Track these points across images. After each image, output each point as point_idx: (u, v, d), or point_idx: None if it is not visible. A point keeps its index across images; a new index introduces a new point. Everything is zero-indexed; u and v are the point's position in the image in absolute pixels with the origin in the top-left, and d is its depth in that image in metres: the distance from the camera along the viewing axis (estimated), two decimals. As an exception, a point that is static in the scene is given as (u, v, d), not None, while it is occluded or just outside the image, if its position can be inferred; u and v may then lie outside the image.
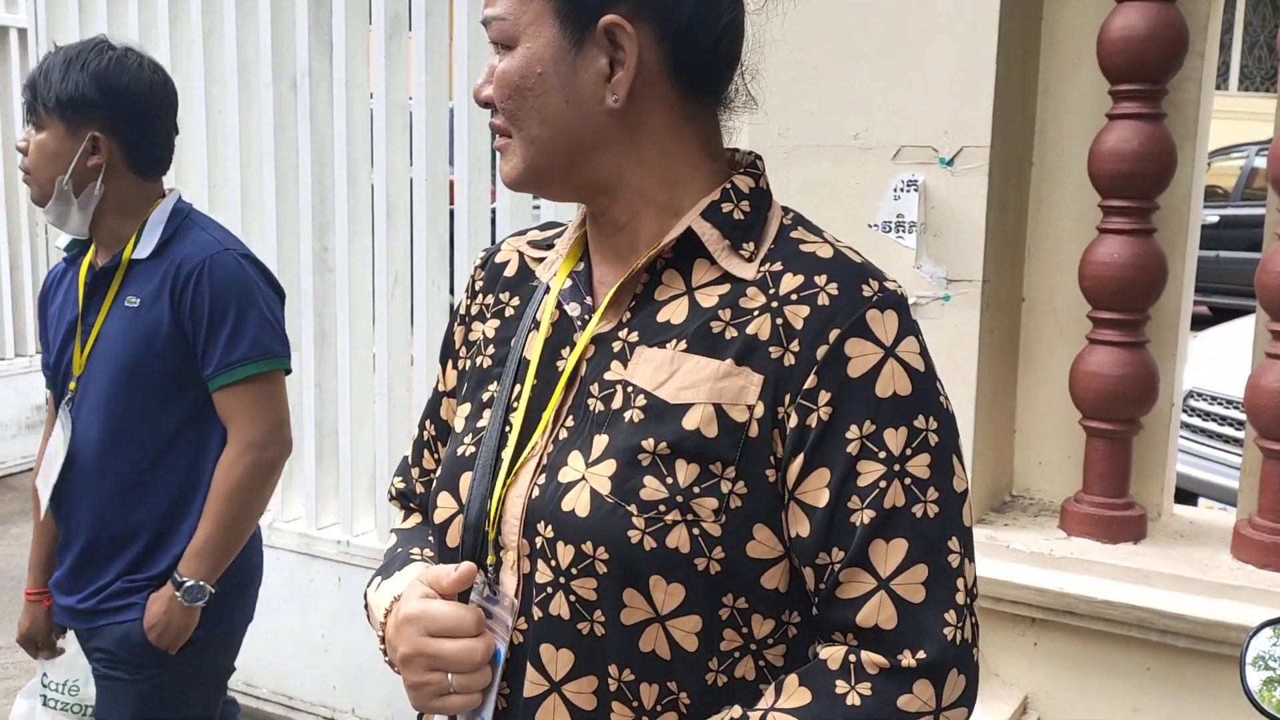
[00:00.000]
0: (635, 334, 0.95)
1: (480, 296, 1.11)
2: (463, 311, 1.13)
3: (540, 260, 1.07)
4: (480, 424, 1.02)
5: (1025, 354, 1.99)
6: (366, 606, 1.08)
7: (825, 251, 0.92)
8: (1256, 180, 9.82)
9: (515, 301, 1.07)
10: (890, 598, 0.86)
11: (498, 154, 0.97)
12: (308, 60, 2.85)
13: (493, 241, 2.66)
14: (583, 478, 0.91)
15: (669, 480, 0.89)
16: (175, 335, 1.82)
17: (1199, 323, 6.52)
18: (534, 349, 1.01)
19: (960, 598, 0.87)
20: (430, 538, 1.09)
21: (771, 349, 0.89)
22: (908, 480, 0.87)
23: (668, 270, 0.95)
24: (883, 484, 0.87)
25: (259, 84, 2.93)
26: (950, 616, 0.86)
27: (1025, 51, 1.88)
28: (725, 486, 0.88)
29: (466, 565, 0.94)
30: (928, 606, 0.86)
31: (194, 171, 3.07)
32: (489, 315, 1.08)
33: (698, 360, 0.91)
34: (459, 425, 1.06)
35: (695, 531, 0.88)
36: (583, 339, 0.97)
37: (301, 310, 2.93)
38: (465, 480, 1.00)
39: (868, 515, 0.87)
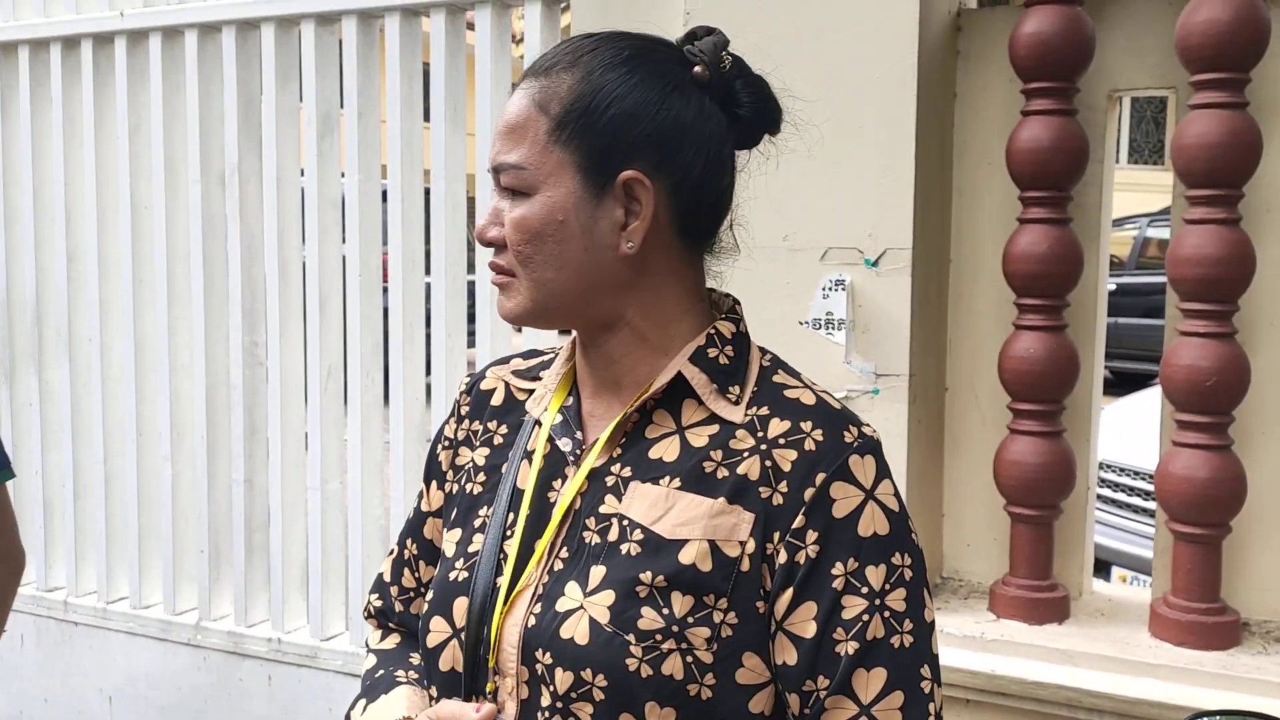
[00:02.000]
0: (628, 469, 1.00)
1: (467, 422, 1.14)
2: (449, 435, 1.16)
3: (527, 391, 1.11)
4: (472, 549, 1.05)
5: (951, 441, 2.08)
6: None
7: (809, 398, 1.00)
8: (1149, 249, 10.36)
9: (504, 430, 1.11)
10: None
11: (496, 289, 1.02)
12: (237, 156, 2.87)
13: (428, 335, 2.69)
14: (581, 606, 0.95)
15: (665, 611, 0.93)
16: None
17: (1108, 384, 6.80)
18: (527, 479, 1.04)
19: (926, 718, 0.95)
20: (411, 658, 1.13)
21: (761, 489, 0.95)
22: (886, 614, 0.94)
23: (658, 410, 1.01)
24: (865, 617, 0.93)
25: (187, 180, 2.93)
26: None
27: (941, 159, 2.00)
28: (717, 617, 0.94)
29: (489, 708, 0.96)
30: None
31: (120, 266, 3.04)
32: (477, 442, 1.12)
33: (692, 498, 0.96)
34: (449, 550, 1.08)
35: (689, 659, 0.93)
36: (579, 475, 1.01)
37: (231, 405, 2.91)
38: (459, 605, 1.02)
39: (851, 646, 0.93)
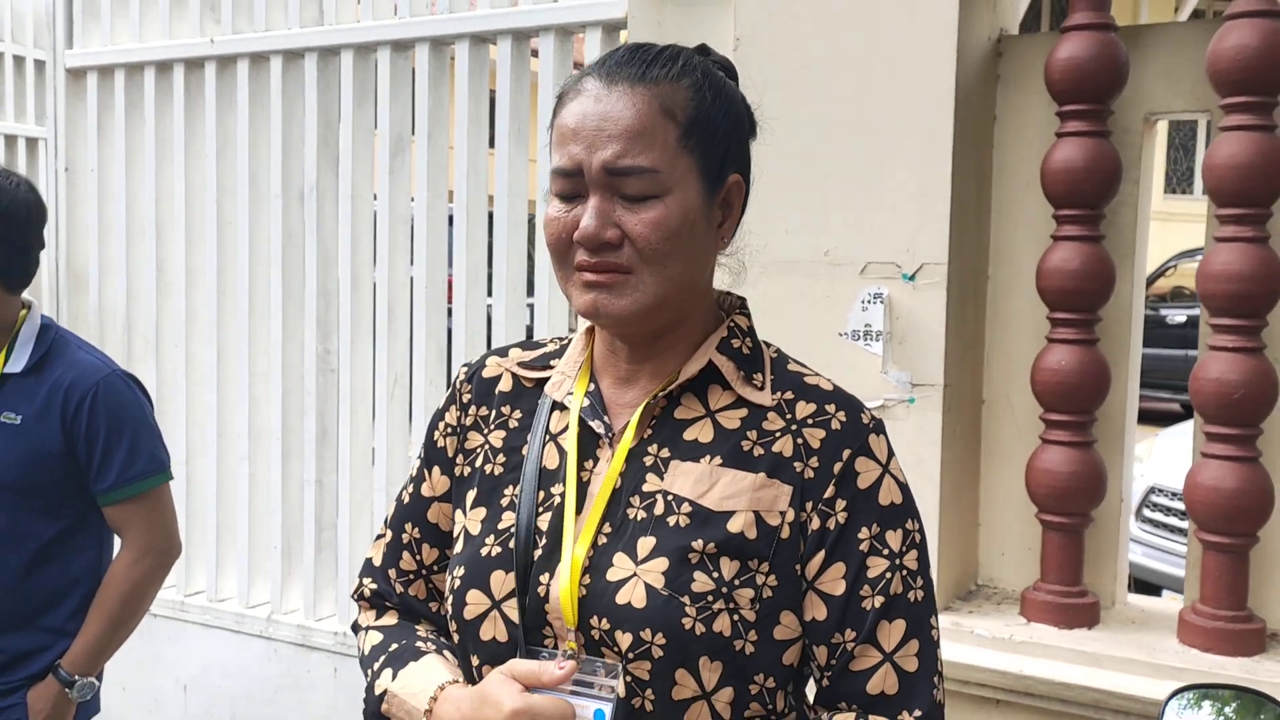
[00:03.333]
0: (666, 450, 1.09)
1: (473, 408, 1.21)
2: (452, 422, 1.23)
3: (536, 379, 1.19)
4: (503, 525, 1.12)
5: (986, 451, 2.14)
6: (381, 695, 1.14)
7: (826, 384, 1.12)
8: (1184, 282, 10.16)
9: (518, 414, 1.18)
10: (893, 669, 1.05)
11: (596, 289, 1.04)
12: (315, 175, 3.04)
13: (488, 344, 2.82)
14: (635, 575, 1.04)
15: (715, 574, 1.04)
16: (65, 454, 1.97)
17: (1170, 419, 6.71)
18: (553, 459, 1.13)
19: (939, 665, 1.08)
20: (418, 630, 1.20)
21: (795, 464, 1.07)
22: (904, 572, 1.07)
23: (685, 394, 1.11)
24: (888, 575, 1.06)
25: (269, 196, 3.11)
26: (935, 680, 1.06)
27: (979, 178, 2.07)
28: (760, 579, 1.05)
29: (570, 663, 1.03)
30: (920, 674, 1.05)
31: (205, 278, 3.23)
32: (491, 426, 1.19)
33: (735, 474, 1.07)
34: (473, 528, 1.15)
35: (735, 618, 1.03)
36: (618, 456, 1.09)
37: (304, 409, 3.07)
38: (496, 578, 1.10)
39: (877, 601, 1.05)
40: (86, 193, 3.43)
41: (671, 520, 1.06)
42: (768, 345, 1.16)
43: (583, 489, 1.10)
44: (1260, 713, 1.18)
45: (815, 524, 1.06)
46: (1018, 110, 2.08)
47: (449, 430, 1.23)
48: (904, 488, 1.09)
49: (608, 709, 1.02)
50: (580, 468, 1.11)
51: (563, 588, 1.05)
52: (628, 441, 1.10)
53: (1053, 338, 1.93)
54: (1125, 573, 2.08)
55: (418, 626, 1.23)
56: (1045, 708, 1.83)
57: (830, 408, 1.10)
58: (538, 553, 1.09)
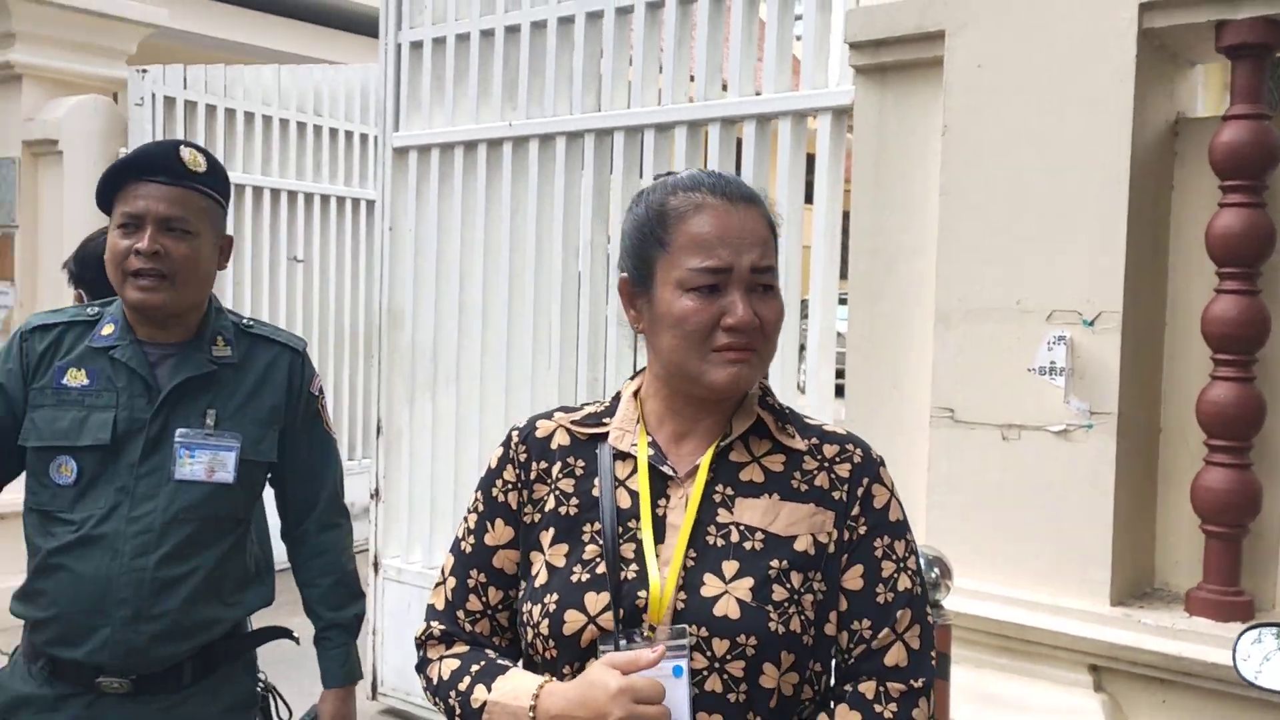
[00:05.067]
0: (729, 489, 1.35)
1: (534, 464, 1.42)
2: (511, 479, 1.43)
3: (592, 434, 1.40)
4: (586, 556, 1.34)
5: (1163, 473, 2.47)
6: (480, 707, 1.32)
7: (839, 430, 1.41)
8: None
9: (581, 463, 1.40)
10: (904, 646, 1.33)
11: (738, 365, 1.31)
12: (589, 234, 3.67)
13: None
14: (725, 591, 1.29)
15: (788, 586, 1.30)
16: None
17: None
18: (624, 499, 1.36)
19: (934, 644, 1.36)
20: (488, 653, 1.39)
21: (834, 493, 1.35)
22: (908, 572, 1.36)
23: (735, 443, 1.37)
24: (896, 575, 1.34)
25: (551, 251, 3.77)
26: (931, 655, 1.35)
27: (1156, 240, 2.43)
28: (816, 586, 1.32)
29: (661, 648, 1.25)
30: (921, 650, 1.34)
31: (497, 318, 3.92)
32: (557, 476, 1.40)
33: (793, 505, 1.33)
34: (558, 561, 1.35)
35: (802, 618, 1.30)
36: (695, 494, 1.34)
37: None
38: (590, 598, 1.31)
39: (890, 595, 1.34)
40: (405, 248, 4.21)
41: (748, 545, 1.31)
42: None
43: (658, 522, 1.34)
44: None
45: (846, 536, 1.33)
46: (1192, 181, 2.43)
47: (509, 486, 1.42)
48: (902, 507, 1.38)
49: (683, 664, 1.25)
50: (654, 505, 1.35)
51: (653, 601, 1.28)
52: (701, 481, 1.34)
53: (1215, 375, 2.27)
54: (1288, 582, 2.37)
55: (488, 650, 1.41)
56: (1203, 686, 2.16)
57: (849, 447, 1.38)
58: (625, 574, 1.31)
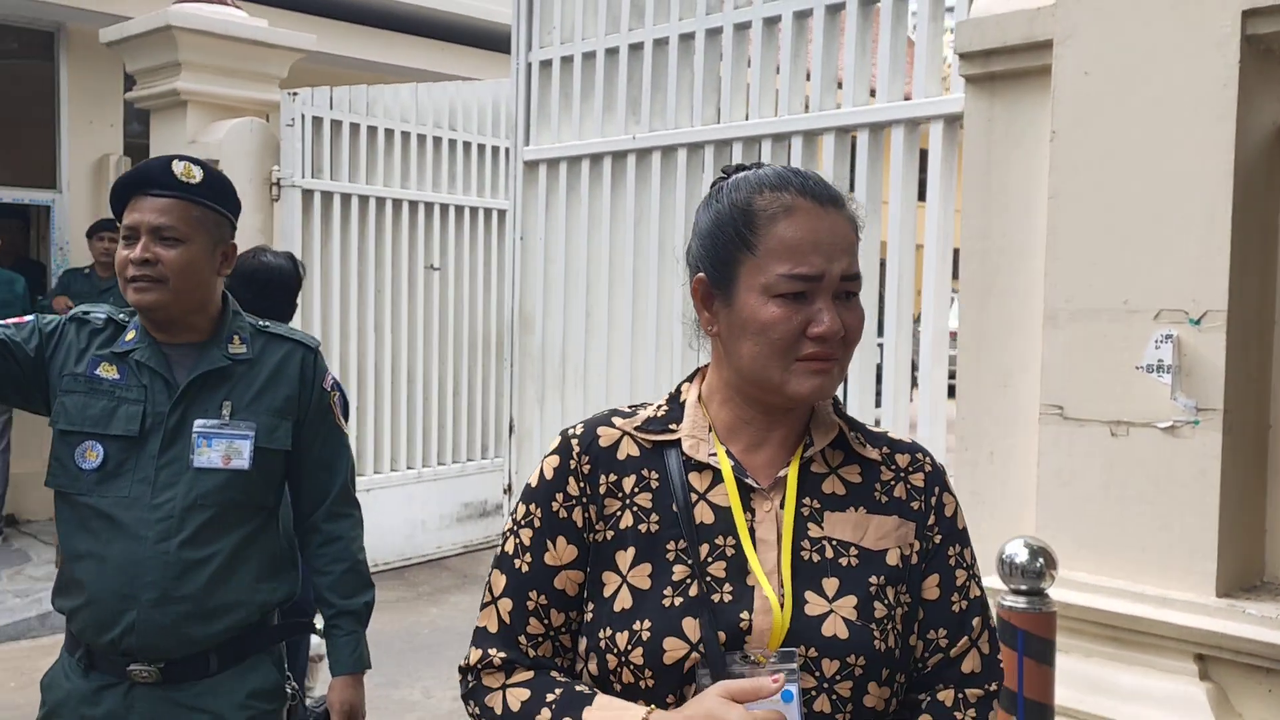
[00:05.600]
0: (816, 502, 1.30)
1: (602, 476, 1.31)
2: (574, 493, 1.31)
3: (658, 441, 1.32)
4: (676, 578, 1.25)
5: (1273, 470, 2.51)
6: None
7: (904, 439, 1.39)
8: None
9: (655, 475, 1.30)
10: (978, 652, 1.34)
11: (822, 375, 1.26)
12: (710, 239, 3.85)
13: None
14: (831, 610, 1.24)
15: (886, 602, 1.27)
16: None
17: None
18: (707, 513, 1.27)
19: (998, 645, 1.37)
20: (556, 676, 1.28)
21: (913, 504, 1.33)
22: (976, 579, 1.36)
23: (811, 447, 1.33)
24: (968, 583, 1.35)
25: (673, 258, 3.96)
26: (999, 657, 1.36)
27: (1264, 241, 2.48)
28: (904, 599, 1.30)
29: (782, 675, 1.19)
30: (992, 654, 1.36)
31: (622, 321, 4.13)
32: (632, 489, 1.30)
33: (879, 518, 1.30)
34: (641, 583, 1.25)
35: (895, 632, 1.28)
36: (789, 510, 1.28)
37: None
38: (688, 624, 1.22)
39: (964, 604, 1.33)
40: (535, 256, 4.45)
41: (844, 561, 1.27)
42: None
43: (751, 535, 1.27)
44: None
45: (924, 545, 1.32)
46: (1301, 182, 2.47)
47: (573, 502, 1.31)
48: (963, 513, 1.38)
49: (794, 688, 1.20)
50: (744, 518, 1.28)
51: (774, 623, 1.22)
52: (792, 494, 1.29)
53: (1323, 373, 2.31)
54: (1404, 579, 2.38)
55: (553, 674, 1.29)
56: (1308, 676, 2.21)
57: (919, 456, 1.36)
58: (720, 596, 1.24)
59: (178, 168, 2.13)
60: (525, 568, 1.31)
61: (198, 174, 2.15)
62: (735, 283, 1.27)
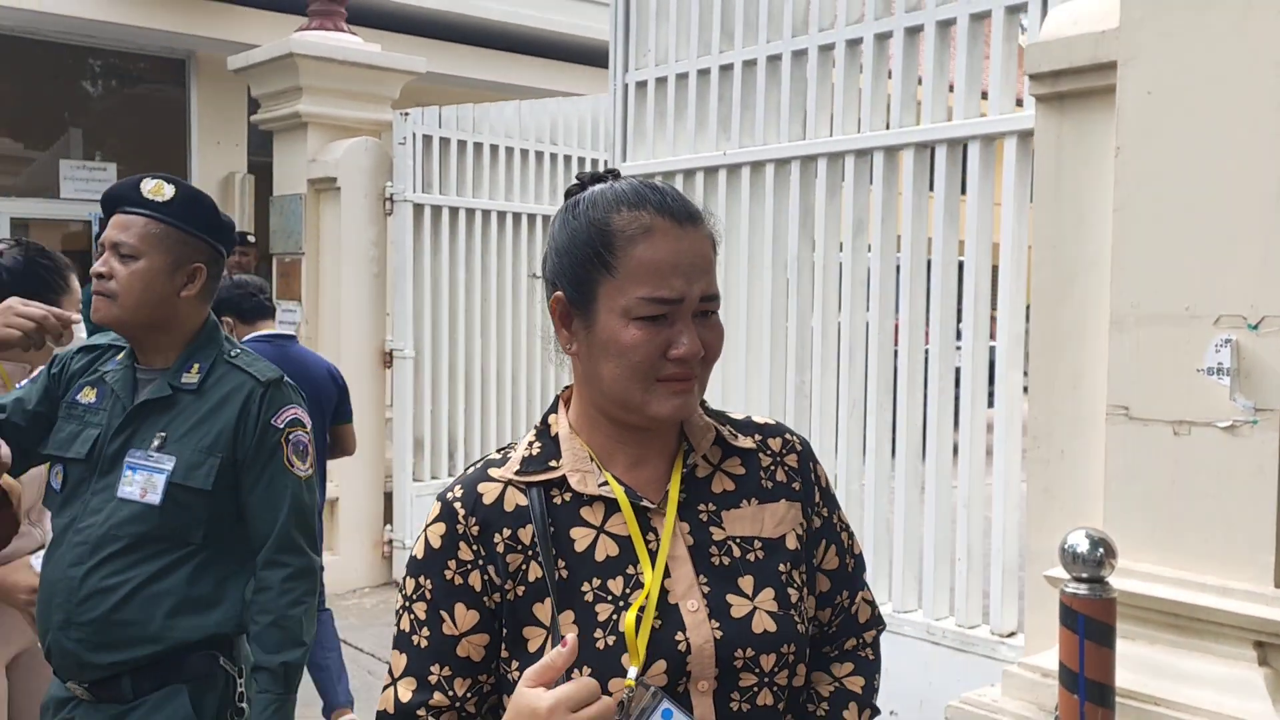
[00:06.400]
0: (710, 505, 1.31)
1: (494, 535, 1.26)
2: (467, 558, 1.26)
3: (540, 483, 1.28)
4: (602, 618, 1.23)
5: (1330, 467, 2.63)
6: None
7: (766, 420, 1.43)
8: None
9: (550, 520, 1.27)
10: (864, 602, 1.45)
11: (683, 395, 1.26)
12: (796, 249, 4.06)
13: (925, 370, 3.63)
14: (755, 608, 1.26)
15: (794, 585, 1.32)
16: None
17: None
18: (610, 546, 1.26)
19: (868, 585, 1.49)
20: None
21: (793, 485, 1.37)
22: (852, 535, 1.46)
23: (692, 455, 1.33)
24: (850, 542, 1.44)
25: (762, 266, 4.18)
26: (874, 603, 1.47)
27: (1321, 248, 2.60)
28: (801, 578, 1.34)
29: (570, 637, 1.15)
30: (873, 602, 1.47)
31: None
32: (532, 540, 1.25)
33: (771, 506, 1.34)
34: (569, 631, 1.21)
35: (803, 609, 1.33)
36: (670, 518, 1.29)
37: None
38: (626, 660, 1.21)
39: (852, 562, 1.43)
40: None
41: (751, 556, 1.29)
42: None
43: (652, 558, 1.26)
44: None
45: (816, 523, 1.38)
46: (1359, 192, 2.58)
47: (467, 567, 1.26)
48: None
49: (667, 704, 1.19)
50: (645, 540, 1.27)
51: (704, 637, 1.23)
52: (674, 505, 1.29)
53: (1376, 374, 2.43)
54: None
55: None
56: (1359, 662, 2.33)
57: (788, 436, 1.40)
58: (651, 624, 1.23)
59: (146, 185, 2.14)
60: (424, 643, 1.27)
61: (168, 192, 2.13)
62: (594, 303, 1.25)
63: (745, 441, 1.36)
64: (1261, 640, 2.52)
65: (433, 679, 1.26)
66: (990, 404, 3.47)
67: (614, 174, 1.33)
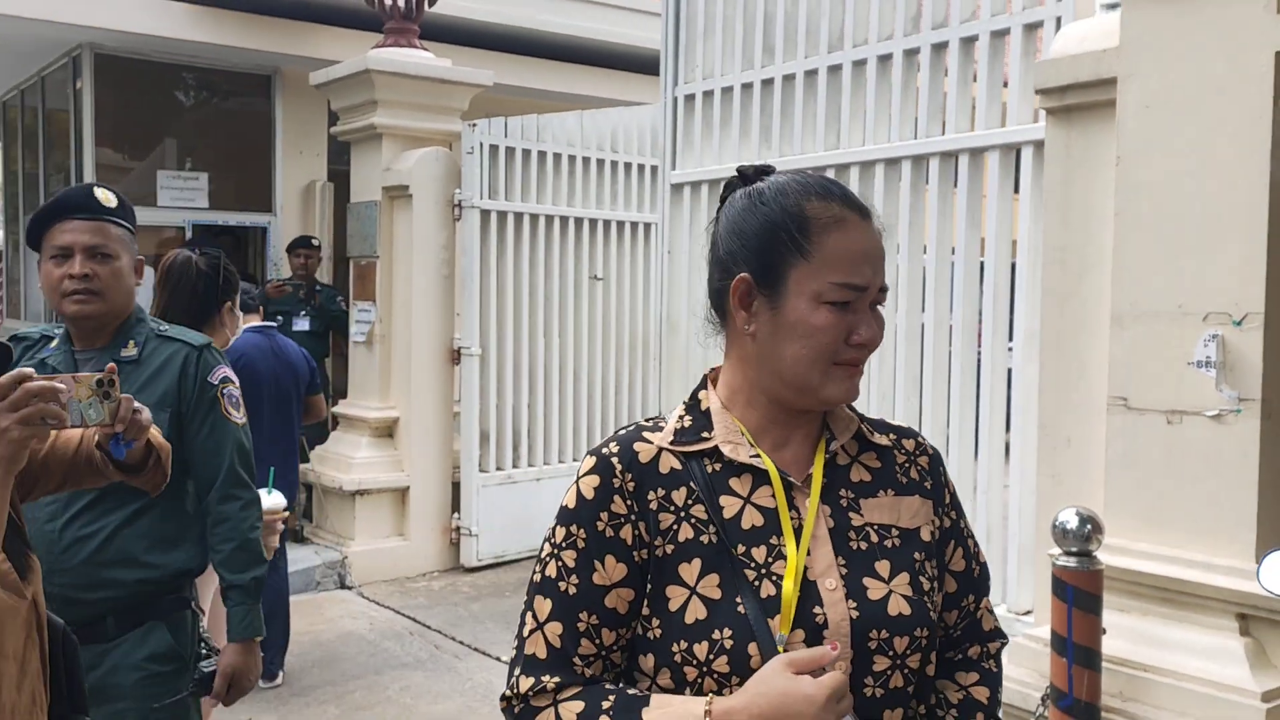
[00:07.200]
0: (849, 492, 1.34)
1: (649, 493, 1.29)
2: (621, 511, 1.28)
3: (692, 452, 1.31)
4: (745, 582, 1.26)
5: (1314, 454, 2.83)
6: None
7: (899, 424, 1.46)
8: None
9: (697, 486, 1.30)
10: (989, 611, 1.48)
11: (855, 379, 1.32)
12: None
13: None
14: (890, 591, 1.29)
15: (929, 573, 1.35)
16: None
17: None
18: (755, 516, 1.29)
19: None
20: (608, 685, 1.28)
21: (925, 483, 1.40)
22: (974, 541, 1.48)
23: (834, 442, 1.37)
24: (976, 550, 1.47)
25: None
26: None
27: (1303, 249, 2.80)
28: (933, 572, 1.37)
29: (837, 642, 1.25)
30: (996, 613, 1.49)
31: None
32: (685, 501, 1.29)
33: (908, 499, 1.37)
34: (712, 593, 1.25)
35: (935, 599, 1.35)
36: (814, 499, 1.32)
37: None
38: (771, 626, 1.24)
39: (978, 569, 1.46)
40: (680, 268, 4.99)
41: (888, 543, 1.33)
42: None
43: (796, 533, 1.29)
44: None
45: (946, 523, 1.41)
46: (1340, 198, 2.78)
47: (620, 520, 1.29)
48: None
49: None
50: (789, 517, 1.31)
51: (841, 615, 1.26)
52: (818, 485, 1.32)
53: (1348, 366, 2.63)
54: None
55: (605, 685, 1.29)
56: (1326, 630, 2.54)
57: (920, 439, 1.43)
58: (788, 595, 1.26)
59: (99, 194, 2.35)
60: (572, 590, 1.29)
61: (113, 199, 2.37)
62: (784, 286, 1.28)
63: (881, 439, 1.40)
64: (1243, 612, 2.73)
65: (581, 625, 1.28)
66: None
67: (768, 169, 1.39)
